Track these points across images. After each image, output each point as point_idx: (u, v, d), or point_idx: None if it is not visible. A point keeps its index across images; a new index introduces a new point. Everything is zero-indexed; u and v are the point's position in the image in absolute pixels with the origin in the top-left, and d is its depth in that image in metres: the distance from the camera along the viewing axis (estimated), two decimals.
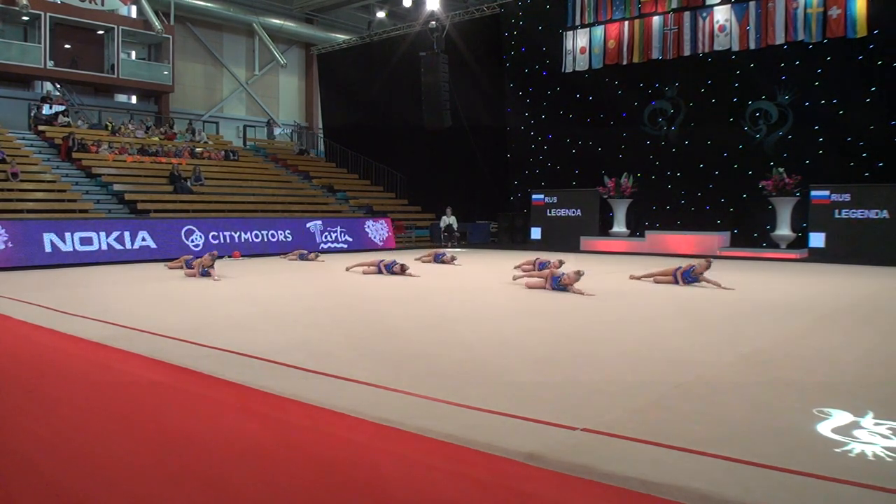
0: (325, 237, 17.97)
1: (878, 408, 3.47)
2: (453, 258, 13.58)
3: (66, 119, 20.75)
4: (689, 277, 9.41)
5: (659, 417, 3.40)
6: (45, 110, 21.02)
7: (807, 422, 3.29)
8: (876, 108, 14.96)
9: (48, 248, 13.14)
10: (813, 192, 15.16)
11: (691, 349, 5.13)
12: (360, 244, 18.54)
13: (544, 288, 8.90)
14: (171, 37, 24.88)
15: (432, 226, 21.44)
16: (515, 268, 11.47)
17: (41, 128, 19.86)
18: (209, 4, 26.63)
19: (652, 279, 9.93)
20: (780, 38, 15.85)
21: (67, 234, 13.50)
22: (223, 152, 22.15)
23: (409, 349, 5.14)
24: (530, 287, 9.12)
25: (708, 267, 9.32)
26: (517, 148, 21.20)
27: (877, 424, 3.22)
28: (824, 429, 3.17)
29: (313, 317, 6.90)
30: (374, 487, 2.59)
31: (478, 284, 10.11)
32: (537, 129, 20.57)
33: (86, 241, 13.75)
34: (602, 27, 18.59)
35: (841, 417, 3.32)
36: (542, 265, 10.58)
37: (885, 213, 14.26)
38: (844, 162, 15.39)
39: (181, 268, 11.72)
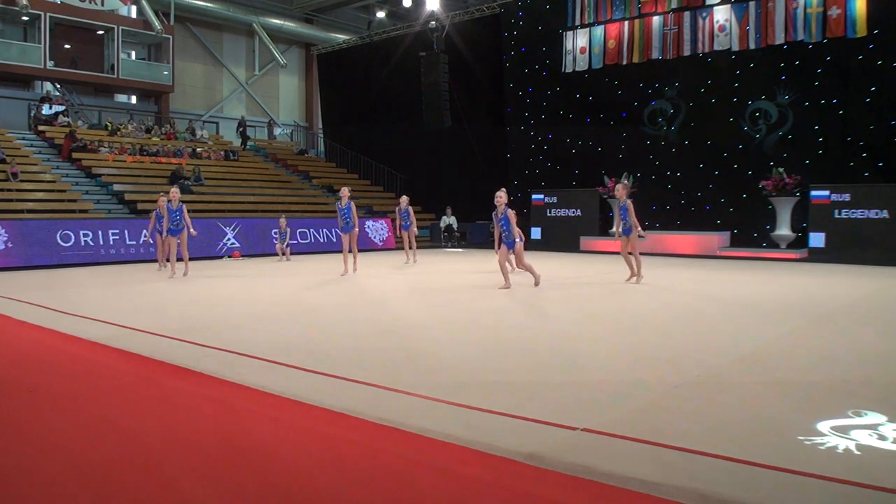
0: (325, 237, 17.96)
1: (881, 408, 3.47)
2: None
3: (66, 119, 20.76)
4: (626, 216, 9.50)
5: (659, 417, 3.40)
6: (45, 110, 21.03)
7: (807, 421, 3.28)
8: (876, 108, 14.95)
9: (48, 248, 13.14)
10: (813, 192, 15.15)
11: (691, 349, 5.13)
12: (360, 244, 18.50)
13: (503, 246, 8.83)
14: (171, 37, 24.90)
15: (432, 226, 21.43)
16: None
17: (41, 128, 19.88)
18: (209, 4, 26.64)
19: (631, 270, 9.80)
20: (779, 38, 15.85)
21: (68, 234, 13.51)
22: (223, 152, 22.15)
23: (409, 349, 5.14)
24: (501, 263, 8.94)
25: (626, 191, 9.56)
26: (517, 148, 21.18)
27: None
28: (824, 428, 3.17)
29: (313, 317, 6.90)
30: (374, 487, 2.59)
31: (476, 284, 10.10)
32: (537, 129, 20.55)
33: (86, 241, 13.75)
34: (602, 27, 18.58)
35: (873, 419, 3.30)
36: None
37: (885, 213, 14.25)
38: (844, 162, 15.39)
39: (166, 263, 11.60)
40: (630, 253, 9.68)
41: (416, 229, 14.47)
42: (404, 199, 14.48)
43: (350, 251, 11.37)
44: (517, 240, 8.66)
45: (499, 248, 9.16)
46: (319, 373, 4.32)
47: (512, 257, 9.03)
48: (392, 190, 24.14)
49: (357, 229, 11.51)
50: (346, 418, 3.41)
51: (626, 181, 9.79)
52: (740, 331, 5.94)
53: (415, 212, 22.60)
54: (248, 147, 24.34)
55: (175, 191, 11.19)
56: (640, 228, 9.61)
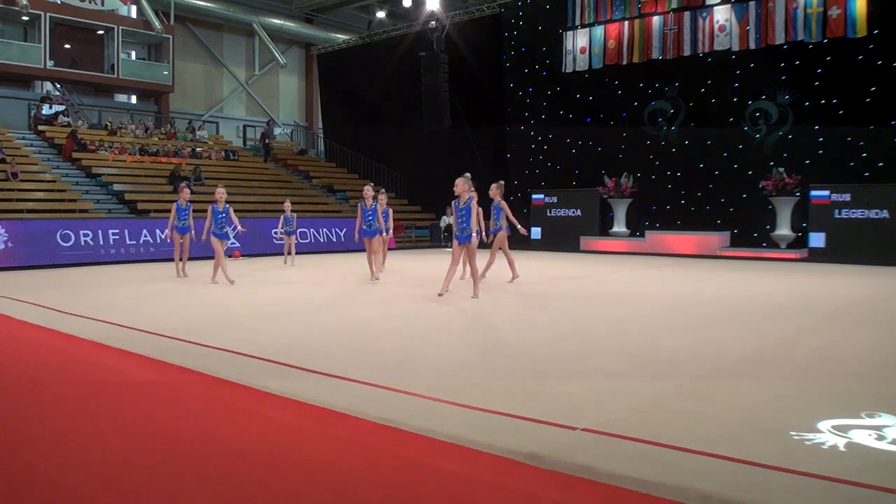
0: (324, 236, 17.95)
1: (891, 409, 3.47)
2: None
3: (66, 119, 20.76)
4: (498, 217, 9.74)
5: (659, 417, 3.40)
6: (45, 110, 21.03)
7: (807, 421, 3.29)
8: (876, 108, 14.95)
9: (48, 248, 13.14)
10: (813, 192, 15.16)
11: (691, 349, 5.13)
12: (360, 244, 18.52)
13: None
14: (171, 37, 24.88)
15: (432, 226, 21.42)
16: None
17: (41, 128, 19.88)
18: (209, 4, 26.62)
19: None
20: (780, 38, 15.85)
21: (68, 234, 13.51)
22: (223, 152, 22.15)
23: (409, 349, 5.14)
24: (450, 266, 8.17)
25: (499, 191, 9.70)
26: (517, 148, 21.19)
27: None
28: (824, 428, 3.17)
29: (313, 317, 6.89)
30: (374, 487, 2.59)
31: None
32: (537, 129, 20.56)
33: (86, 240, 13.76)
34: (602, 27, 18.59)
35: (883, 420, 3.29)
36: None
37: (885, 213, 14.26)
38: (844, 162, 15.39)
39: (181, 260, 11.27)
40: (500, 250, 9.92)
41: (386, 236, 11.71)
42: (383, 197, 11.25)
43: (375, 254, 10.63)
44: (474, 234, 7.81)
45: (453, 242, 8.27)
46: (319, 373, 4.32)
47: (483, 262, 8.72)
48: (392, 190, 24.13)
49: (385, 234, 10.66)
50: (346, 418, 3.41)
51: (501, 182, 9.87)
52: (740, 331, 5.94)
53: (415, 212, 22.75)
54: (268, 159, 23.42)
55: (221, 191, 10.10)
56: (520, 227, 10.03)
